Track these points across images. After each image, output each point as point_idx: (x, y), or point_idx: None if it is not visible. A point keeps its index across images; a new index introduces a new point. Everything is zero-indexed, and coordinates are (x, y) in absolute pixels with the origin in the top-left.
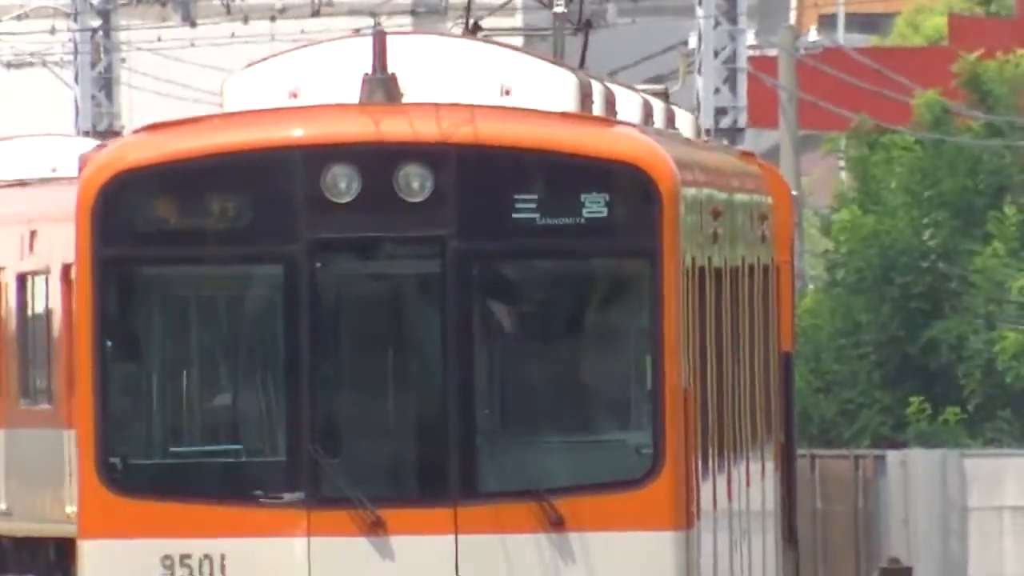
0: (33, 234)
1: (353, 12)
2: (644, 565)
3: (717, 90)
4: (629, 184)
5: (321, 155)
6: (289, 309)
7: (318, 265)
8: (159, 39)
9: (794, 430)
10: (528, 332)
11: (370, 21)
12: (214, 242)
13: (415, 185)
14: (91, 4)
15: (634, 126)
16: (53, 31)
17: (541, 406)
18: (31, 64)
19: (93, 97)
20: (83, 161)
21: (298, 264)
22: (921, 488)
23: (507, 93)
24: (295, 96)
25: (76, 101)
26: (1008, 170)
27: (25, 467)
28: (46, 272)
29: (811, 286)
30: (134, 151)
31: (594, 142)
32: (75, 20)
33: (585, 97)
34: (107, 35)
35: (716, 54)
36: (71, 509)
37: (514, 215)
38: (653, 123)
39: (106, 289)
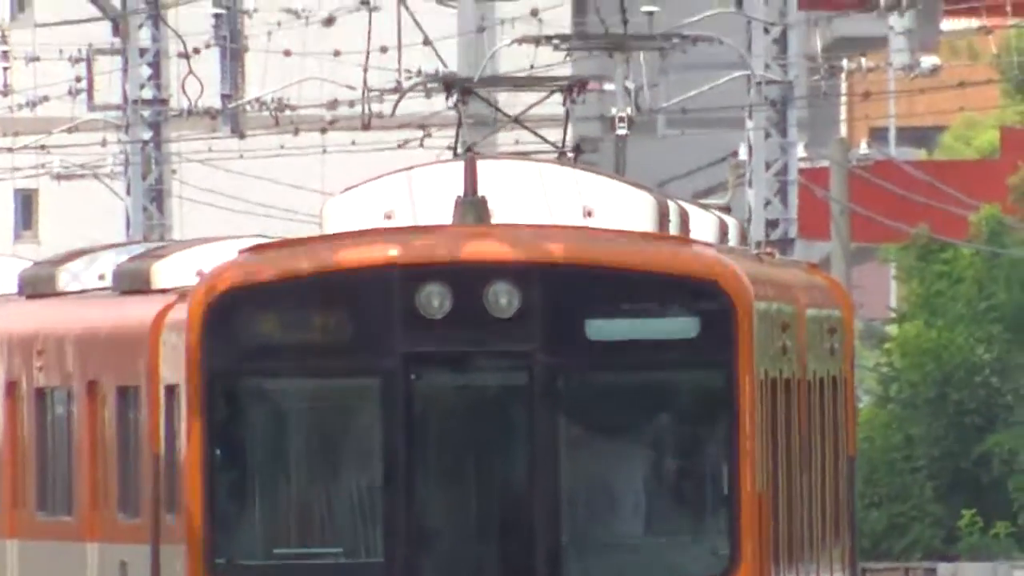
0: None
1: (403, 125)
2: None
3: (768, 202)
4: (707, 301)
5: (416, 274)
6: (386, 419)
7: (413, 377)
8: (209, 150)
9: (856, 535)
10: (609, 441)
11: (419, 133)
12: (315, 356)
13: (503, 302)
14: (142, 116)
15: (710, 245)
16: (104, 143)
17: (622, 511)
18: (82, 176)
19: (144, 209)
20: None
21: (394, 377)
22: None
23: (589, 214)
24: (390, 218)
25: (127, 212)
26: None
27: None
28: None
29: (863, 400)
30: (240, 270)
31: (671, 261)
32: (126, 132)
33: (663, 217)
34: (158, 147)
35: (768, 166)
36: None
37: (595, 330)
38: (727, 239)
39: (214, 400)
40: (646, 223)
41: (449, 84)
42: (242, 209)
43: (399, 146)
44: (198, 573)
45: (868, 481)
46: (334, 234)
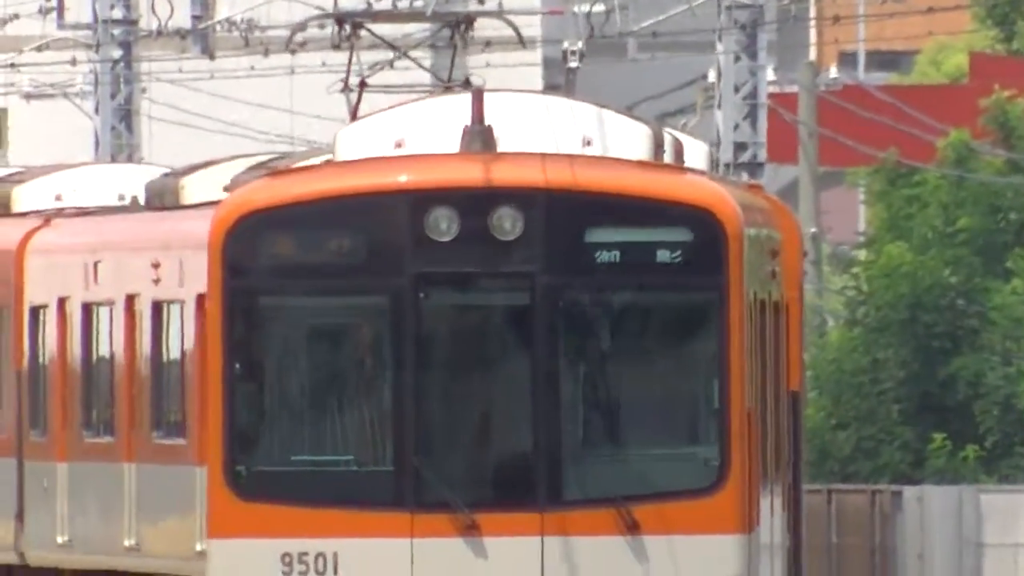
0: (97, 264)
1: (374, 46)
2: (712, 565)
3: (737, 125)
4: (700, 225)
5: (424, 199)
6: (395, 336)
7: (421, 296)
8: (179, 70)
9: (801, 473)
10: (606, 357)
11: (389, 54)
12: (329, 275)
13: (507, 225)
14: (112, 35)
15: (702, 173)
16: (74, 62)
17: (619, 423)
18: (52, 95)
19: (113, 128)
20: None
21: (403, 295)
22: (937, 524)
23: (588, 143)
24: (400, 146)
25: (96, 132)
26: None
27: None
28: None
29: (831, 322)
30: (258, 195)
31: (666, 187)
32: (96, 51)
33: (657, 147)
34: (128, 66)
35: (736, 89)
36: (129, 542)
37: (595, 252)
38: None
39: (234, 316)
40: (642, 152)
41: (340, 20)
42: (212, 129)
43: (380, 68)
44: (219, 480)
45: (836, 403)
46: (347, 161)
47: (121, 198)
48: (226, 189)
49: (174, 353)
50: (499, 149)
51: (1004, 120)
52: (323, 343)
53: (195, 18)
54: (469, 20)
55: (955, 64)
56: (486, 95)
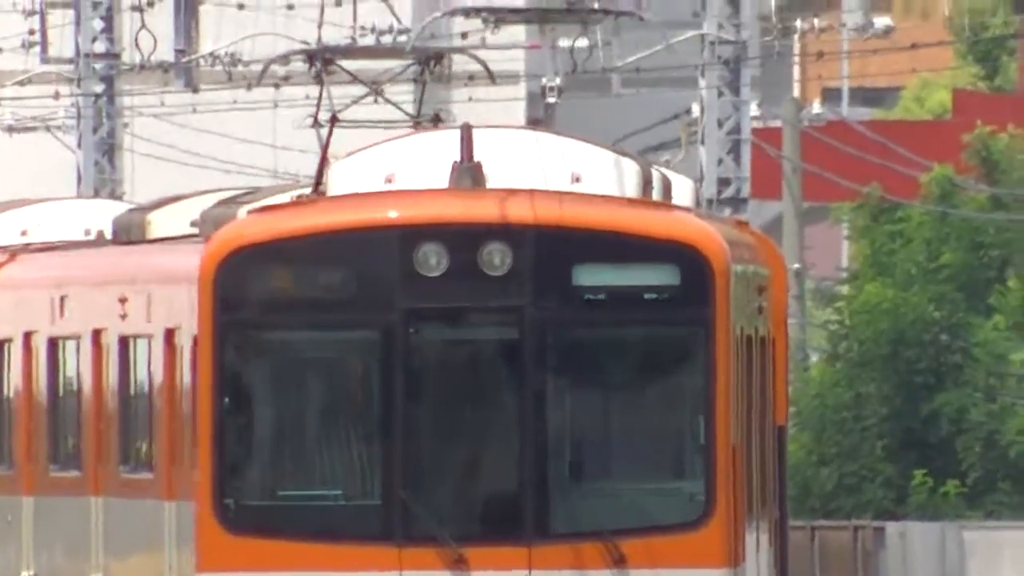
0: (63, 298)
1: (355, 82)
2: None
3: (720, 160)
4: (686, 262)
5: (414, 234)
6: (385, 371)
7: (411, 331)
8: (162, 104)
9: (786, 508)
10: (594, 391)
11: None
12: (320, 310)
13: (496, 261)
14: (94, 69)
15: (689, 210)
16: (57, 96)
17: (606, 457)
18: (34, 129)
19: (96, 163)
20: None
21: (393, 330)
22: (920, 560)
23: (577, 180)
24: (390, 181)
25: (79, 166)
26: (1013, 244)
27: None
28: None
29: (813, 358)
30: (249, 229)
31: (654, 224)
32: (78, 85)
33: (646, 183)
34: (110, 100)
35: (720, 124)
36: None
37: (583, 288)
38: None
39: (224, 350)
40: (631, 189)
41: (312, 56)
42: (194, 163)
43: (353, 102)
44: (208, 513)
45: (818, 439)
46: (337, 196)
47: (87, 233)
48: (193, 224)
49: (142, 387)
50: (488, 185)
51: (987, 155)
52: (313, 377)
53: (178, 52)
54: (439, 56)
55: (938, 100)
56: (476, 131)
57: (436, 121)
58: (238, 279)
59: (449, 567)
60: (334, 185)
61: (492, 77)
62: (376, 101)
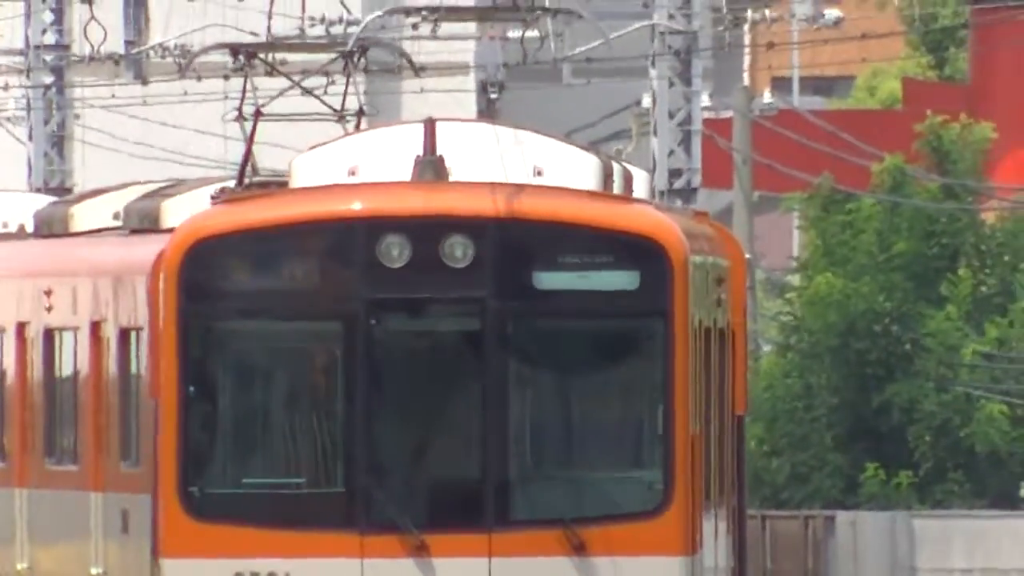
0: None
1: (306, 71)
2: None
3: (671, 151)
4: (645, 254)
5: (377, 226)
6: (347, 360)
7: (373, 322)
8: (113, 96)
9: (745, 496)
10: (554, 381)
11: (323, 80)
12: (283, 300)
13: (458, 253)
14: (44, 61)
15: (648, 203)
16: (6, 87)
17: (566, 446)
18: None
19: (46, 154)
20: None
21: (356, 321)
22: (870, 549)
23: (539, 173)
24: (354, 174)
25: (29, 158)
26: (963, 233)
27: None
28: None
29: (765, 348)
30: (214, 220)
31: (614, 217)
32: (28, 77)
33: (607, 177)
34: (60, 92)
35: (671, 115)
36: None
37: (543, 279)
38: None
39: (188, 340)
40: (592, 182)
41: (235, 50)
42: (145, 155)
43: (275, 96)
44: (172, 500)
45: (769, 430)
46: (301, 188)
47: (5, 226)
48: (115, 217)
49: (67, 380)
50: (451, 178)
51: (938, 145)
52: (276, 367)
53: (128, 43)
54: (363, 49)
55: (888, 90)
56: (439, 124)
57: (360, 115)
58: (203, 269)
59: (410, 554)
60: (297, 178)
61: (415, 69)
62: (305, 94)
